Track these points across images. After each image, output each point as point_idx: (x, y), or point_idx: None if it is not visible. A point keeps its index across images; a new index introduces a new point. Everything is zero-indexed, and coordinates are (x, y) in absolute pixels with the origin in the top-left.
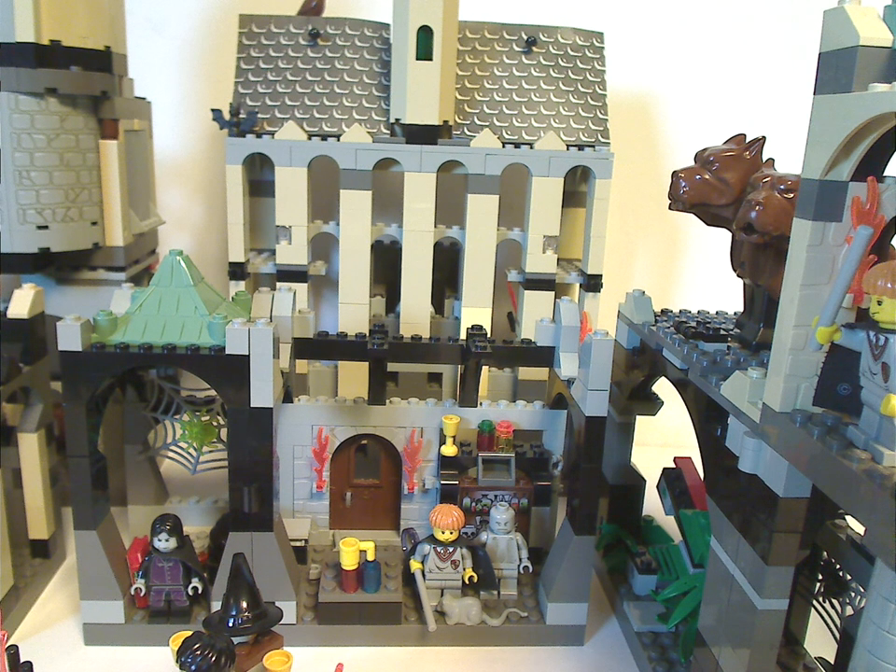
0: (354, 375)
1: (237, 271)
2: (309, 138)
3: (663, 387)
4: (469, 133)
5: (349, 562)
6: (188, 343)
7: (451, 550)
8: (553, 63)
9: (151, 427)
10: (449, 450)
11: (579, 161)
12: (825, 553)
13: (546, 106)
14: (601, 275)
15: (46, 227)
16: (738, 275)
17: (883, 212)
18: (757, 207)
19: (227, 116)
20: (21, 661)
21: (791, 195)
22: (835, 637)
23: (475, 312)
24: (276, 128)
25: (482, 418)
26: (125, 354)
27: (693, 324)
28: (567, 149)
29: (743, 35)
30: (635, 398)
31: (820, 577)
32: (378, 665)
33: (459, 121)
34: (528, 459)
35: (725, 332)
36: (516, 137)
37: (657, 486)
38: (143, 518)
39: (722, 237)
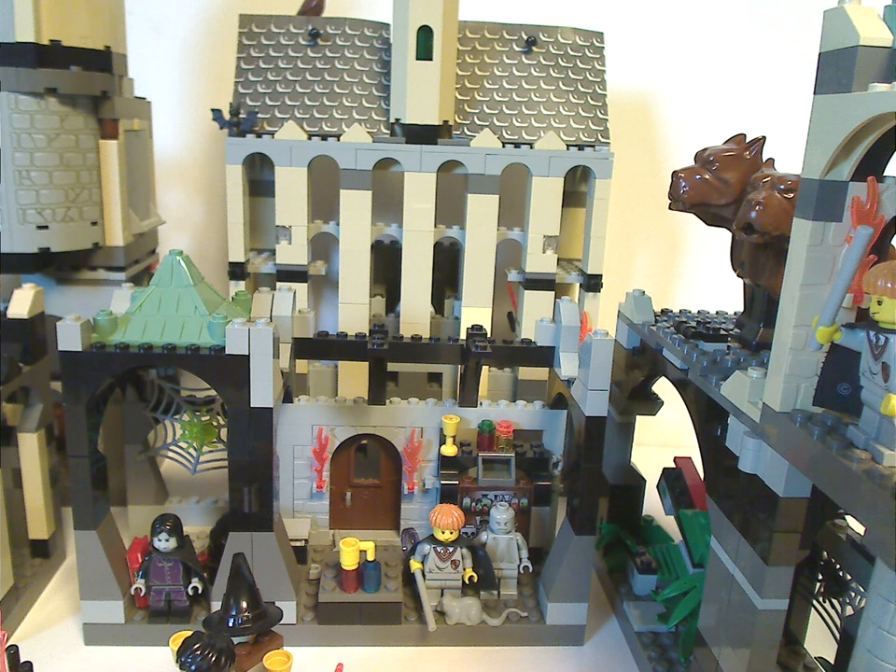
0: (354, 375)
1: (237, 271)
2: (309, 138)
3: (663, 387)
4: (468, 132)
5: (349, 562)
6: (188, 342)
7: (451, 550)
8: (553, 63)
9: (151, 427)
10: (449, 450)
11: (579, 161)
12: (825, 553)
13: (546, 106)
14: (601, 275)
15: (46, 227)
16: (738, 275)
17: (883, 212)
18: (757, 207)
19: (227, 116)
20: (21, 661)
21: (791, 195)
22: (835, 637)
23: (475, 312)
24: (276, 128)
25: (482, 418)
26: (125, 354)
27: (693, 324)
28: (567, 149)
29: (743, 36)
30: (635, 398)
31: (820, 577)
32: (378, 665)
33: (459, 121)
34: (528, 459)
35: (725, 332)
36: (516, 137)
37: (657, 486)
38: (143, 518)
39: (722, 237)
